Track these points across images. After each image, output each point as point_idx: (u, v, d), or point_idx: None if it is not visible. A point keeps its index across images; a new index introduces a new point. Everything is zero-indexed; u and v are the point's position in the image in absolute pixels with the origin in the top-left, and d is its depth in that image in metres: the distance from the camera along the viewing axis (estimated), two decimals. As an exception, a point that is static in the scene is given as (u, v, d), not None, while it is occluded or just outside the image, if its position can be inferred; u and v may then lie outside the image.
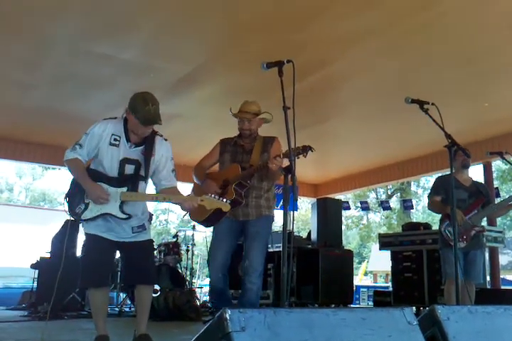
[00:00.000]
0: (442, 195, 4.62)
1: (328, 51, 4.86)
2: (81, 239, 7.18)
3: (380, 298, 7.77)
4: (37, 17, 4.41)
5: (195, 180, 3.74)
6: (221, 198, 3.01)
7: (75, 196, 3.09)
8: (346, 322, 1.66)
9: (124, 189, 3.03)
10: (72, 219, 3.17)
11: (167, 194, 3.10)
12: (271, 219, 3.66)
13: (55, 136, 7.75)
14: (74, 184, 3.15)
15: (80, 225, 6.67)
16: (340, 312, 1.67)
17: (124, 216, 3.02)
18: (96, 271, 3.10)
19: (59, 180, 41.12)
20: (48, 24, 4.51)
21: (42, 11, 4.29)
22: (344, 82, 5.62)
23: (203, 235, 9.32)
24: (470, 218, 4.45)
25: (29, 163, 14.18)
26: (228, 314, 1.40)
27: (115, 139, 3.09)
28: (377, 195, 26.24)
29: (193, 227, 8.20)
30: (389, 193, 26.11)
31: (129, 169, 3.08)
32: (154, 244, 4.11)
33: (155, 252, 6.97)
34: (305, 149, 2.94)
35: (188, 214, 3.47)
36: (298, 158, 2.89)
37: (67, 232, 7.02)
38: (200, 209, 3.38)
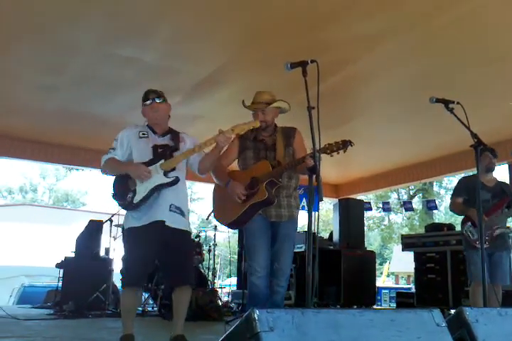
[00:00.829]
0: (464, 196, 4.60)
1: (351, 51, 4.83)
2: (105, 239, 7.32)
3: (403, 300, 7.71)
4: (60, 21, 4.46)
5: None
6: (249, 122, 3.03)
7: (120, 190, 3.23)
8: (373, 323, 1.65)
9: (162, 161, 3.17)
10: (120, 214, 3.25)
11: (200, 143, 3.18)
12: (297, 220, 3.52)
13: (77, 138, 7.86)
14: (116, 182, 3.28)
15: (104, 226, 6.70)
16: (367, 313, 1.67)
17: (170, 179, 3.13)
18: (133, 273, 3.13)
19: (82, 181, 41.72)
20: (71, 28, 4.56)
21: (65, 14, 4.33)
22: (367, 82, 5.58)
23: (223, 235, 9.35)
24: (493, 218, 4.39)
25: (52, 164, 14.42)
26: (257, 314, 1.41)
27: (143, 133, 3.31)
28: (398, 195, 26.00)
29: (215, 228, 8.23)
30: (411, 194, 25.87)
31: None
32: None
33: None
34: (345, 144, 2.83)
35: (212, 215, 3.49)
36: (338, 153, 2.85)
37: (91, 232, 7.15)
38: (227, 209, 3.39)
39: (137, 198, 3.14)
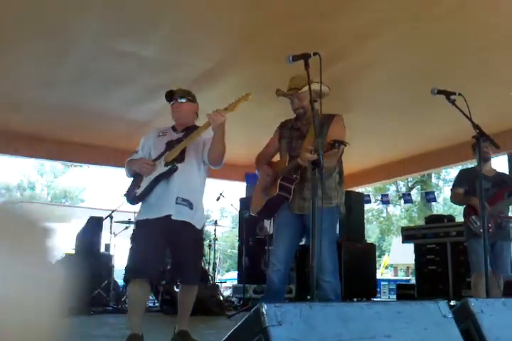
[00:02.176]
0: (465, 187, 4.58)
1: (351, 42, 4.81)
2: (105, 235, 7.31)
3: (403, 291, 7.73)
4: (59, 15, 4.44)
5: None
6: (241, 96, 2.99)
7: (131, 187, 3.29)
8: (381, 316, 1.65)
9: (167, 153, 3.20)
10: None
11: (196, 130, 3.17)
12: (332, 211, 3.20)
13: (76, 134, 7.83)
14: (131, 181, 3.34)
15: (104, 222, 6.69)
16: (374, 305, 1.66)
17: (167, 168, 3.12)
18: (139, 264, 3.09)
19: (80, 177, 41.66)
20: (71, 22, 4.54)
21: (64, 9, 4.31)
22: (366, 73, 5.56)
23: (222, 230, 9.37)
24: (496, 206, 4.40)
25: (50, 161, 14.39)
26: (264, 308, 1.40)
27: (163, 133, 3.38)
28: (397, 187, 26.04)
29: (215, 222, 8.24)
30: (409, 186, 25.90)
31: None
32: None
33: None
34: (333, 145, 2.69)
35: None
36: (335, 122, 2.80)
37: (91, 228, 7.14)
38: (257, 200, 3.35)
39: (139, 190, 3.19)
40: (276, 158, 3.49)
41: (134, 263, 3.17)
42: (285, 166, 3.18)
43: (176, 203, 3.11)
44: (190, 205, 3.16)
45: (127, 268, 3.31)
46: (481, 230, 4.21)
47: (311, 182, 3.05)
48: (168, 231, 3.10)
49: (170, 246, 3.21)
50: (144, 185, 3.19)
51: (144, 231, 3.15)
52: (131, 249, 3.28)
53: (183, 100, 3.30)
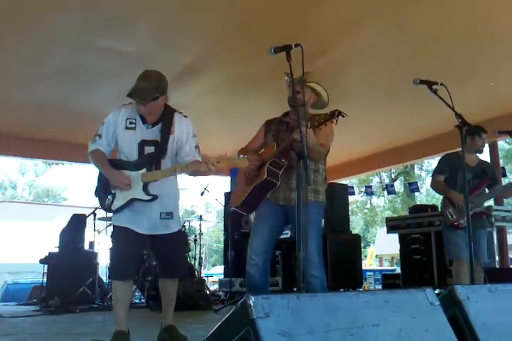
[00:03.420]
0: (446, 175, 4.53)
1: (333, 34, 4.79)
2: (88, 233, 7.23)
3: (389, 281, 7.78)
4: (38, 11, 4.34)
5: None
6: (240, 156, 2.89)
7: (103, 189, 3.10)
8: (369, 305, 1.64)
9: (144, 170, 2.99)
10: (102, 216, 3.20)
11: (184, 164, 2.95)
12: (319, 205, 3.21)
13: (57, 132, 7.72)
14: (100, 178, 3.15)
15: (88, 219, 6.62)
16: (362, 295, 1.66)
17: (149, 197, 2.96)
18: (121, 264, 3.07)
19: (62, 175, 41.19)
20: (49, 19, 4.45)
21: (43, 5, 4.23)
22: (349, 65, 5.55)
23: (207, 225, 9.35)
24: (471, 198, 4.37)
25: (32, 159, 14.19)
26: (252, 300, 1.38)
27: (130, 122, 3.06)
28: (380, 179, 26.22)
29: (200, 217, 8.21)
30: (392, 177, 26.10)
31: (149, 151, 3.04)
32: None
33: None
34: (333, 114, 2.69)
35: (206, 190, 3.37)
36: (325, 125, 2.71)
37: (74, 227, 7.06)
38: (238, 193, 3.31)
39: (116, 205, 3.04)
40: None
41: (115, 264, 3.18)
42: (273, 152, 3.12)
43: (160, 218, 3.07)
44: (172, 216, 3.13)
45: (110, 268, 3.28)
46: (456, 223, 4.28)
47: (297, 172, 3.10)
48: (151, 238, 3.11)
49: (153, 246, 3.20)
50: (119, 198, 3.01)
51: (122, 235, 3.08)
52: (112, 249, 3.28)
53: (143, 101, 2.93)
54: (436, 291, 1.94)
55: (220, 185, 11.05)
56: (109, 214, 7.00)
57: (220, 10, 4.36)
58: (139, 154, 3.04)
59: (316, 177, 3.21)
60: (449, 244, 4.44)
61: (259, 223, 3.23)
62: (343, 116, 2.70)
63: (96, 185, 3.18)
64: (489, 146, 7.65)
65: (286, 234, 7.36)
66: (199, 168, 2.81)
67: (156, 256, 3.35)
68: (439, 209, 4.68)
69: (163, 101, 3.04)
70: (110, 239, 3.25)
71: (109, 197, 3.06)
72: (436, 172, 4.64)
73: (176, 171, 2.96)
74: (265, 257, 3.15)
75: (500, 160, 8.02)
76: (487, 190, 4.59)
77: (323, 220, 3.49)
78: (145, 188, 2.98)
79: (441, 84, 3.16)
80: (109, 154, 3.16)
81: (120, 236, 3.11)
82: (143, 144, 3.04)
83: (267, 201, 3.21)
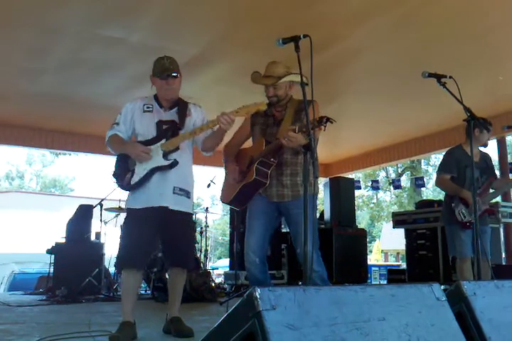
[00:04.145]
0: (454, 174, 4.33)
1: (340, 27, 4.76)
2: (95, 224, 7.26)
3: (394, 277, 7.78)
4: (42, 2, 4.34)
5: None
6: (255, 103, 2.83)
7: (121, 169, 3.15)
8: (375, 299, 1.64)
9: (163, 141, 3.07)
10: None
11: (201, 125, 3.06)
12: (313, 198, 3.07)
13: (64, 122, 7.73)
14: (118, 160, 3.19)
15: (94, 210, 6.61)
16: (368, 289, 1.65)
17: (169, 161, 3.03)
18: (131, 253, 3.06)
19: (69, 166, 41.42)
20: (55, 9, 4.43)
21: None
22: (356, 58, 5.52)
23: (213, 217, 9.36)
24: (484, 198, 4.28)
25: (39, 149, 14.24)
26: (258, 292, 1.38)
27: (148, 107, 3.18)
28: (387, 173, 26.15)
29: (206, 209, 8.22)
30: (399, 172, 26.03)
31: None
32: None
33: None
34: (321, 121, 2.68)
35: (210, 183, 3.34)
36: (313, 131, 2.60)
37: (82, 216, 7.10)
38: (228, 187, 3.27)
39: (135, 179, 3.08)
40: (247, 144, 3.42)
41: (125, 253, 3.14)
42: (262, 150, 3.10)
43: (174, 193, 3.08)
44: (187, 194, 3.16)
45: (119, 258, 3.26)
46: (468, 224, 4.18)
47: (290, 167, 3.11)
48: (162, 220, 3.09)
49: (163, 233, 3.17)
50: (138, 172, 3.07)
51: (135, 220, 3.11)
52: (123, 238, 3.26)
53: (176, 74, 3.08)
54: (442, 287, 1.93)
55: (227, 177, 11.05)
56: (116, 205, 7.09)
57: (226, 1, 4.34)
58: (157, 132, 3.12)
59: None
60: (455, 241, 4.29)
61: (253, 219, 3.21)
62: (331, 122, 2.69)
63: (114, 168, 3.20)
64: (497, 142, 7.61)
65: (274, 229, 7.37)
66: (220, 120, 2.85)
67: (166, 245, 3.28)
68: (445, 205, 4.51)
69: (181, 79, 3.16)
70: (121, 228, 3.24)
71: (128, 175, 3.10)
72: (443, 170, 4.43)
73: (196, 132, 3.03)
74: (262, 253, 3.16)
75: (509, 156, 7.95)
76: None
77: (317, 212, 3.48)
78: (165, 155, 3.06)
79: (450, 77, 3.13)
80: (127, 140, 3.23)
81: (133, 221, 3.11)
82: (161, 123, 3.13)
83: (260, 196, 3.19)
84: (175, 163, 3.04)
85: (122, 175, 3.13)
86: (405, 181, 24.90)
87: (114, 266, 3.75)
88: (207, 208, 8.36)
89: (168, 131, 3.10)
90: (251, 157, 3.18)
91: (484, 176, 4.40)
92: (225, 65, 5.65)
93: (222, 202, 3.40)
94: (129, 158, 3.13)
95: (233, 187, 3.22)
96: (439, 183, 4.54)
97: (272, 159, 3.07)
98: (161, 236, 3.20)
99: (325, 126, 2.71)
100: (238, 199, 3.23)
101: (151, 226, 3.06)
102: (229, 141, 3.45)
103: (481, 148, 4.56)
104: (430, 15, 4.55)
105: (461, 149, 4.38)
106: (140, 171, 3.07)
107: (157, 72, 3.07)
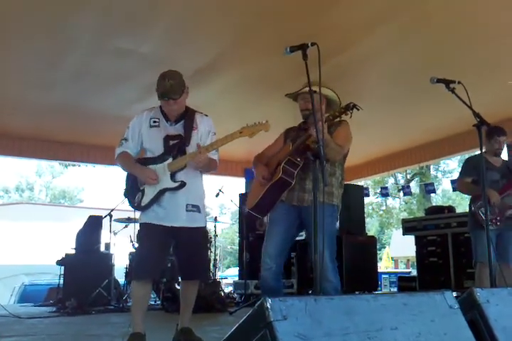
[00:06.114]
0: (474, 177, 4.44)
1: (349, 35, 4.76)
2: (105, 234, 7.27)
3: (405, 284, 7.72)
4: (58, 14, 4.38)
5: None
6: (259, 123, 2.87)
7: (131, 189, 3.19)
8: (387, 308, 1.62)
9: (170, 159, 3.09)
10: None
11: (206, 145, 3.06)
12: (332, 208, 3.14)
13: (75, 134, 7.78)
14: (128, 179, 3.24)
15: (104, 221, 6.61)
16: (380, 297, 1.63)
17: (176, 184, 3.05)
18: (143, 265, 3.09)
19: (78, 177, 41.60)
20: (65, 21, 4.48)
21: (62, 7, 4.26)
22: (365, 65, 5.51)
23: (222, 226, 9.34)
24: (505, 199, 4.33)
25: (49, 161, 14.31)
26: (269, 303, 1.37)
27: (154, 121, 3.19)
28: (396, 180, 26.02)
29: (215, 219, 8.20)
30: (408, 178, 25.86)
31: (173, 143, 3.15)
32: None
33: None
34: (348, 107, 2.67)
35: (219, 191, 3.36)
36: (340, 118, 2.68)
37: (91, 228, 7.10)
38: (253, 194, 3.28)
39: (145, 200, 3.11)
40: None
41: (139, 265, 3.18)
42: (289, 150, 3.09)
43: (187, 211, 3.10)
44: (199, 209, 3.18)
45: (134, 270, 3.30)
46: (490, 222, 4.18)
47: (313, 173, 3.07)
48: (176, 233, 3.11)
49: (177, 249, 3.21)
50: (148, 193, 3.09)
51: (148, 233, 3.12)
52: (139, 251, 3.33)
53: (177, 96, 3.05)
54: (454, 294, 1.90)
55: (235, 186, 11.06)
56: (125, 216, 7.10)
57: (236, 10, 4.36)
58: (164, 148, 3.14)
59: (331, 181, 3.14)
60: (478, 244, 4.30)
61: (273, 226, 3.19)
62: (357, 109, 2.68)
63: (125, 186, 3.25)
64: (507, 146, 7.54)
65: (301, 235, 7.33)
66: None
67: (179, 258, 3.29)
68: (459, 211, 4.57)
69: (186, 95, 3.14)
70: (136, 238, 3.27)
71: (139, 194, 3.13)
72: (463, 174, 4.59)
73: (201, 151, 3.03)
74: (279, 261, 3.12)
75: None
76: None
77: (337, 223, 3.43)
78: (172, 177, 3.08)
79: (459, 82, 3.11)
80: (136, 156, 3.25)
81: (146, 234, 3.13)
82: (168, 138, 3.14)
83: (282, 203, 3.17)
84: (182, 185, 3.07)
85: (133, 195, 3.16)
86: (414, 187, 24.73)
87: (125, 276, 3.77)
88: (215, 217, 8.34)
89: (174, 147, 3.12)
90: (278, 160, 3.16)
91: (505, 179, 4.45)
92: (235, 74, 5.67)
93: (248, 209, 3.34)
94: (142, 182, 3.16)
95: (258, 190, 3.20)
96: (460, 187, 4.69)
97: (298, 159, 3.05)
98: (175, 251, 3.25)
99: (351, 113, 2.70)
100: (262, 203, 3.18)
101: (163, 238, 3.09)
102: (261, 152, 3.43)
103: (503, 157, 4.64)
104: (440, 21, 4.55)
105: (480, 155, 4.42)
106: (150, 192, 3.10)
107: (158, 93, 3.06)
